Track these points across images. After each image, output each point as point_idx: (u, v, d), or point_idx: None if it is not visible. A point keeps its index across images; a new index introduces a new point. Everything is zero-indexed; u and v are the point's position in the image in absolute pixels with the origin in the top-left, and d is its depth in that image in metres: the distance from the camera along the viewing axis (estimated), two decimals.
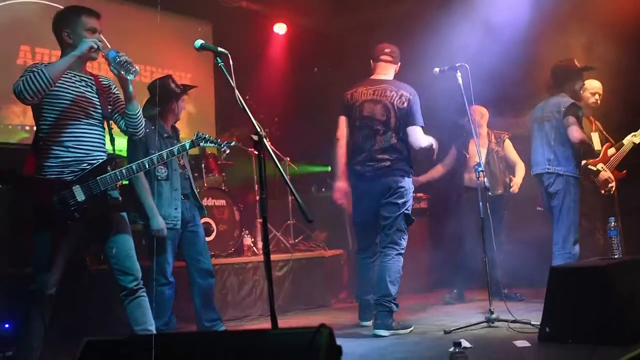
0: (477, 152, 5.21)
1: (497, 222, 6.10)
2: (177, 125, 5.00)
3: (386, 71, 5.24)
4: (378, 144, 5.02)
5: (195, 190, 4.95)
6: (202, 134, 4.11)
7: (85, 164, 3.64)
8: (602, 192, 5.80)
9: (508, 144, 6.56)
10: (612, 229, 4.68)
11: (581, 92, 5.79)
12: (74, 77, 3.72)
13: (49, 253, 3.55)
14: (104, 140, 3.82)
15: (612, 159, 5.88)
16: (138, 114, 3.83)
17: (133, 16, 7.87)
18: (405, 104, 5.01)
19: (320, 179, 8.57)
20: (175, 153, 3.96)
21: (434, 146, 5.05)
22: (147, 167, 3.84)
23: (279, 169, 3.12)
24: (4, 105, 6.53)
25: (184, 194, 4.76)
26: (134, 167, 3.77)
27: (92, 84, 3.78)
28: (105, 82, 3.85)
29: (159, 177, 4.59)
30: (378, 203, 5.03)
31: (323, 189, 8.51)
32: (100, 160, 3.70)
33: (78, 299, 5.00)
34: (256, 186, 7.14)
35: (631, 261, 4.57)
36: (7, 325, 4.52)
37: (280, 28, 8.99)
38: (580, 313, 4.02)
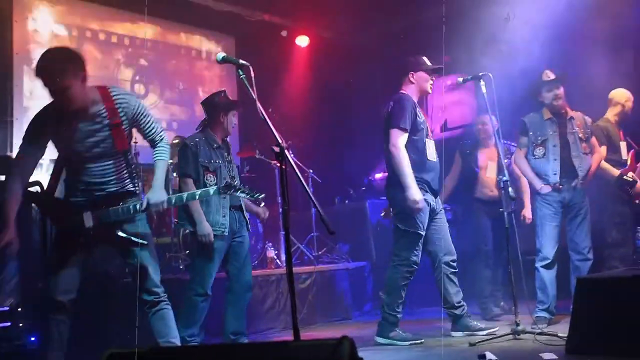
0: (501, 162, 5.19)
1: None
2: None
3: (404, 86, 5.10)
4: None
5: (244, 205, 4.96)
6: (230, 183, 4.17)
7: (101, 192, 3.64)
8: (638, 201, 5.73)
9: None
10: None
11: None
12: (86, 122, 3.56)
13: (57, 262, 3.63)
14: (125, 173, 3.73)
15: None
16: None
17: (156, 32, 7.97)
18: (388, 109, 4.91)
19: (343, 191, 8.55)
20: (196, 197, 4.10)
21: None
22: (165, 206, 3.75)
23: (300, 181, 3.11)
24: None
25: (234, 205, 4.81)
26: (150, 201, 3.64)
27: (105, 124, 3.56)
28: (122, 116, 3.59)
29: (207, 186, 4.62)
30: None
31: (346, 201, 8.49)
32: (116, 191, 3.68)
33: (102, 311, 5.03)
34: (279, 198, 7.15)
35: None
36: (33, 339, 4.56)
37: (302, 40, 9.02)
38: (609, 325, 3.94)
